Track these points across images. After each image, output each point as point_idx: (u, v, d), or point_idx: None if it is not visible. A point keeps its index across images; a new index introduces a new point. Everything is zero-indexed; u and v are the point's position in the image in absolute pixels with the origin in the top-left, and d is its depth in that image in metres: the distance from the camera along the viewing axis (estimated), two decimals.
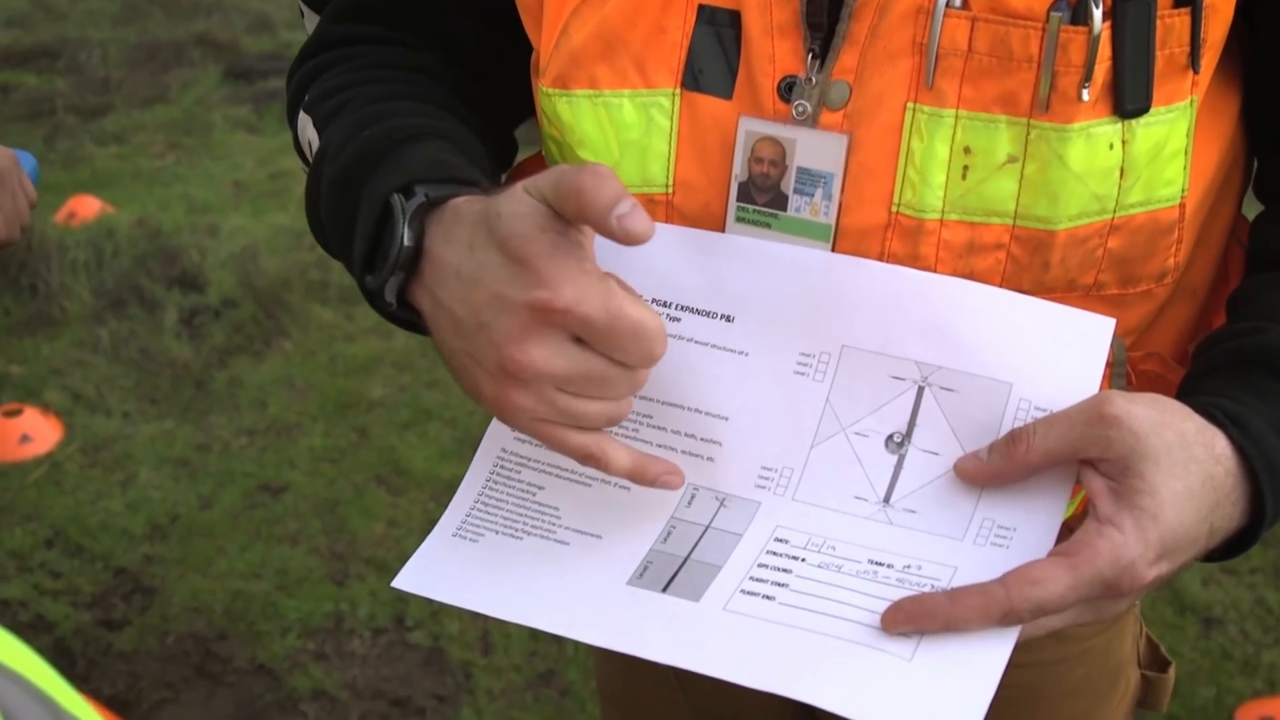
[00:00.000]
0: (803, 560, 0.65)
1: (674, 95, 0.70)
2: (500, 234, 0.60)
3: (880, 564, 0.65)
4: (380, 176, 0.68)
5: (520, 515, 0.71)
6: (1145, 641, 0.96)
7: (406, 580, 0.70)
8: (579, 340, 0.60)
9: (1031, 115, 0.65)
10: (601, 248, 0.62)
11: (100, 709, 1.97)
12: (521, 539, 0.70)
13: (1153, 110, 0.65)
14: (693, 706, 1.00)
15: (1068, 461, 0.63)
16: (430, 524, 0.73)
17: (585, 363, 0.60)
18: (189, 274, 3.23)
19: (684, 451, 0.69)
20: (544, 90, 0.72)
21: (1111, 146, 0.65)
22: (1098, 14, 0.62)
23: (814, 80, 0.67)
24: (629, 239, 0.57)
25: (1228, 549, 0.66)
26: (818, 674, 0.60)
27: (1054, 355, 0.65)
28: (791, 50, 0.67)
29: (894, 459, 0.67)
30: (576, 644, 2.11)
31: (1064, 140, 0.65)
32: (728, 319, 0.70)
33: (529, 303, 0.59)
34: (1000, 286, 0.68)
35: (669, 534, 0.68)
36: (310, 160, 0.79)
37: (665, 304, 0.70)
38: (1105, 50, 0.63)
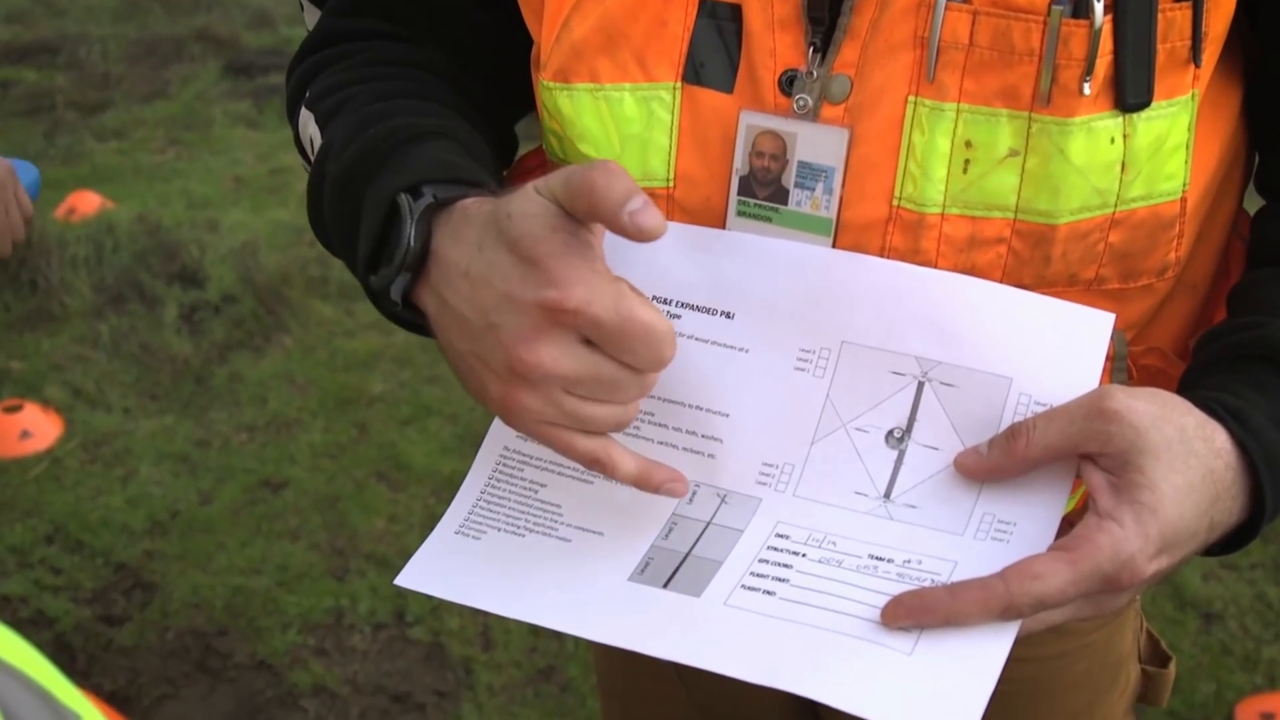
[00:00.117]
0: (803, 556, 0.66)
1: (675, 89, 0.69)
2: (511, 234, 0.60)
3: (880, 559, 0.65)
4: (386, 176, 0.68)
5: (522, 513, 0.71)
6: (1146, 636, 0.96)
7: (409, 578, 0.70)
8: (588, 343, 0.60)
9: (1033, 109, 0.65)
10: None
11: (101, 705, 1.97)
12: (523, 536, 0.70)
13: (1154, 104, 0.65)
14: (693, 702, 1.00)
15: (1068, 456, 0.63)
16: (431, 519, 0.73)
17: (594, 365, 0.60)
18: (189, 269, 3.23)
19: (685, 448, 0.69)
20: (544, 84, 0.72)
21: (1113, 140, 0.65)
22: (1099, 7, 0.62)
23: (815, 74, 0.67)
24: (641, 235, 0.56)
25: (1228, 543, 0.66)
26: (818, 669, 0.60)
27: (1054, 350, 0.65)
28: (792, 44, 0.67)
29: (894, 454, 0.67)
30: (577, 640, 2.11)
31: (1065, 134, 0.65)
32: (728, 316, 0.70)
33: (539, 303, 0.58)
34: (1001, 281, 0.67)
35: (670, 530, 0.68)
36: (312, 158, 0.78)
37: (665, 301, 0.70)
38: (1107, 44, 0.63)
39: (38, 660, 0.38)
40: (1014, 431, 0.64)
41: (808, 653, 0.61)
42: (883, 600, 0.62)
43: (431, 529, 0.72)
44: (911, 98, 0.66)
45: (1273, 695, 1.98)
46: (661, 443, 0.70)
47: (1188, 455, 0.61)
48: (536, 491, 0.72)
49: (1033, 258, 0.68)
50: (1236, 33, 0.69)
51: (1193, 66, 0.66)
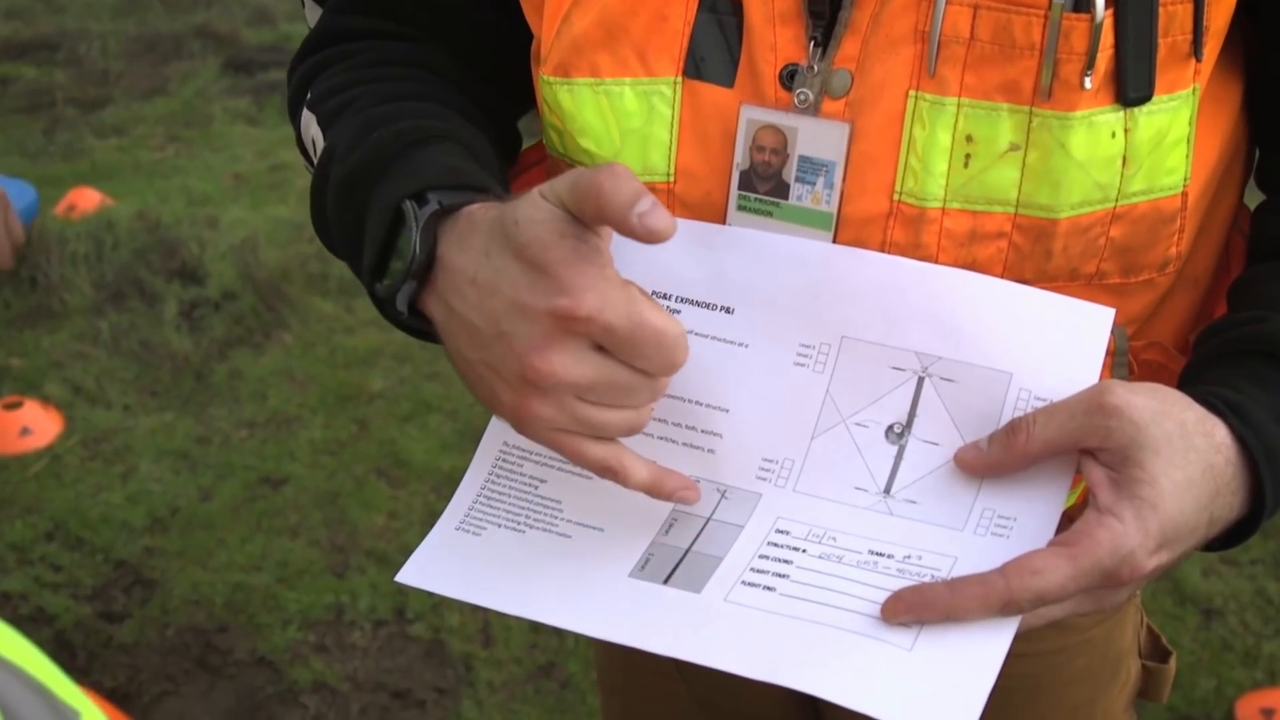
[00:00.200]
0: (803, 551, 0.65)
1: (675, 83, 0.69)
2: (518, 240, 0.59)
3: (880, 554, 0.65)
4: (391, 181, 0.67)
5: (523, 509, 0.71)
6: (1146, 632, 0.96)
7: (410, 574, 0.70)
8: (599, 349, 0.59)
9: (1034, 103, 0.65)
10: None
11: (101, 702, 1.97)
12: (524, 532, 0.70)
13: (1155, 98, 0.65)
14: (693, 698, 1.00)
15: (1068, 451, 0.63)
16: (431, 516, 0.73)
17: (607, 370, 0.59)
18: (189, 266, 3.23)
19: (685, 444, 0.69)
20: (545, 79, 0.72)
21: (1114, 135, 0.65)
22: (1100, 2, 0.62)
23: (816, 68, 0.67)
24: (651, 236, 0.56)
25: (1228, 538, 0.66)
26: (818, 664, 0.60)
27: (1054, 345, 0.65)
28: (793, 38, 0.67)
29: (894, 449, 0.67)
30: (577, 636, 2.10)
31: (1066, 128, 0.65)
32: (728, 311, 0.69)
33: (550, 310, 0.58)
34: (1002, 275, 0.67)
35: (670, 526, 0.68)
36: (314, 159, 0.78)
37: (665, 296, 0.70)
38: (1108, 38, 0.63)
39: (37, 657, 0.38)
40: (1014, 427, 0.64)
41: (808, 648, 0.61)
42: (883, 596, 0.62)
43: (431, 525, 0.72)
44: (912, 92, 0.66)
45: (1273, 691, 1.98)
46: (661, 438, 0.70)
47: (1188, 450, 0.61)
48: (536, 487, 0.72)
49: (1034, 252, 0.68)
50: (1237, 27, 0.69)
51: (1194, 61, 0.66)
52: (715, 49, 0.69)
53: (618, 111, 0.70)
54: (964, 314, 0.66)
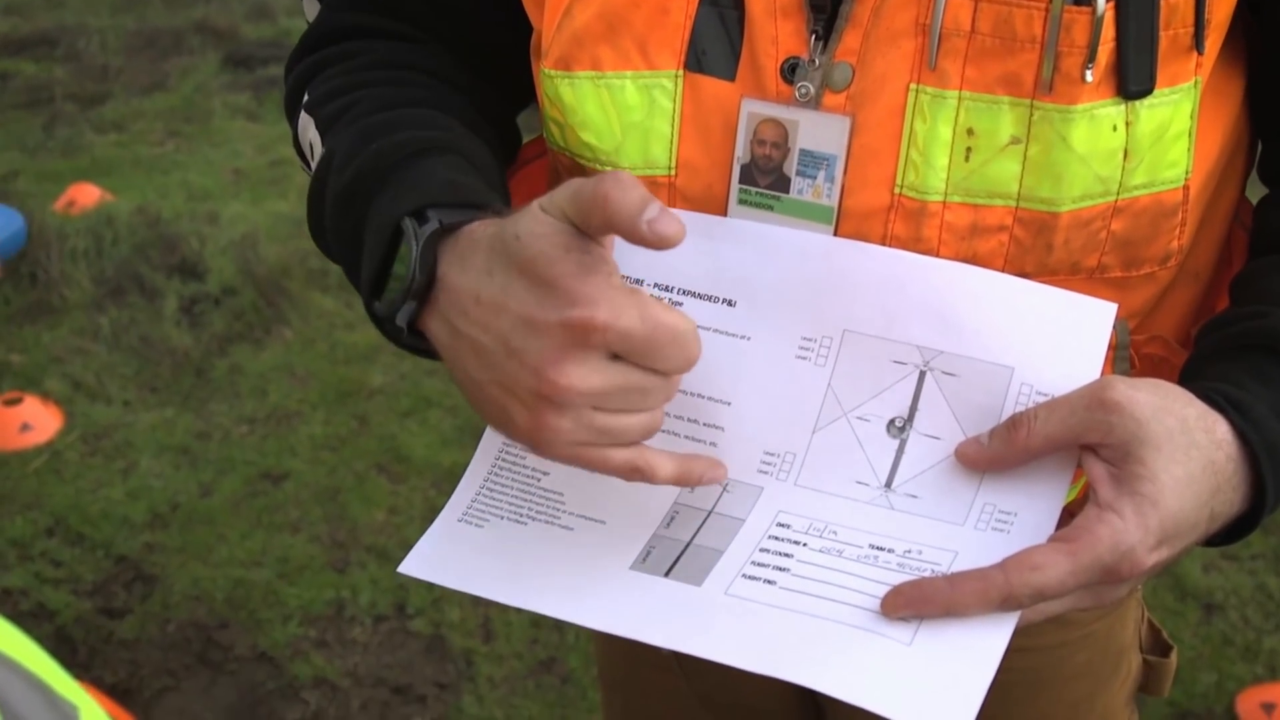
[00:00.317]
0: (804, 545, 0.65)
1: (677, 77, 0.69)
2: (522, 257, 0.58)
3: (881, 549, 0.65)
4: (390, 194, 0.67)
5: (524, 501, 0.71)
6: (1147, 626, 0.96)
7: (412, 565, 0.70)
8: (613, 357, 0.58)
9: (1035, 96, 0.64)
10: None
11: (101, 698, 1.97)
12: (526, 524, 0.70)
13: (1156, 91, 0.65)
14: (694, 693, 1.00)
15: (1069, 447, 0.63)
16: (431, 511, 0.73)
17: (622, 376, 0.58)
18: (189, 262, 3.23)
19: (687, 437, 0.69)
20: (546, 72, 0.71)
21: (1115, 128, 0.65)
22: None
23: (817, 62, 0.67)
24: (661, 243, 0.55)
25: (1228, 534, 0.66)
26: (817, 658, 0.60)
27: (1056, 340, 0.65)
28: (794, 31, 0.67)
29: (895, 444, 0.67)
30: (578, 631, 2.11)
31: (1067, 122, 0.64)
32: (729, 303, 0.69)
33: (564, 323, 0.57)
34: (1003, 269, 0.67)
35: (672, 519, 0.68)
36: (311, 162, 0.77)
37: (667, 288, 0.70)
38: (1109, 31, 0.63)
39: (36, 653, 0.38)
40: (1015, 422, 0.64)
41: (808, 642, 0.61)
42: (883, 590, 0.62)
43: (432, 521, 0.72)
44: (913, 85, 0.66)
45: (1273, 686, 1.98)
46: (663, 431, 0.69)
47: (1189, 446, 0.61)
48: (539, 480, 0.72)
49: (1035, 246, 0.68)
50: (1239, 20, 0.69)
51: (1195, 53, 0.66)
52: (716, 42, 0.68)
53: (619, 105, 0.70)
54: (966, 308, 0.66)
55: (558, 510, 0.70)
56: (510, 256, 0.59)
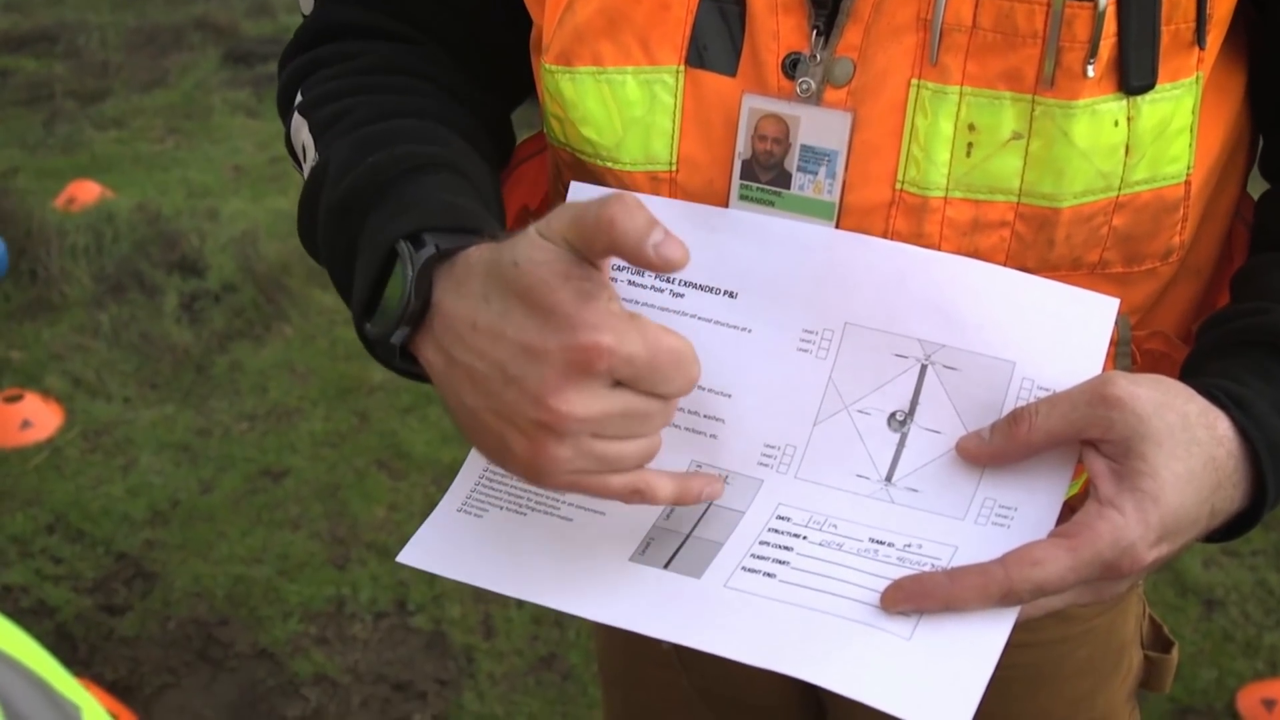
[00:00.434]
0: (804, 538, 0.65)
1: (678, 72, 0.69)
2: (521, 284, 0.57)
3: (881, 543, 0.64)
4: (385, 212, 0.66)
5: (524, 491, 0.71)
6: (1148, 622, 0.96)
7: (411, 555, 0.70)
8: (613, 383, 0.58)
9: (1036, 92, 0.64)
10: None
11: (102, 694, 1.97)
12: (525, 515, 0.70)
13: (1158, 87, 0.65)
14: (694, 687, 1.00)
15: (1070, 442, 0.63)
16: (431, 507, 0.72)
17: (622, 402, 0.58)
18: (189, 258, 3.23)
19: (687, 429, 0.69)
20: (546, 67, 0.71)
21: (1116, 123, 0.65)
22: None
23: (818, 57, 0.67)
24: (667, 267, 0.55)
25: (1229, 530, 0.66)
26: (817, 652, 0.60)
27: (1057, 335, 0.65)
28: (796, 27, 0.67)
29: (896, 437, 0.67)
30: (579, 628, 2.11)
31: (1069, 117, 0.64)
32: (731, 295, 0.69)
33: (566, 349, 0.56)
34: (1005, 264, 0.67)
35: (671, 511, 0.68)
36: (304, 163, 0.76)
37: (668, 280, 0.70)
38: (1110, 26, 0.63)
39: (37, 652, 0.38)
40: (1016, 416, 0.64)
41: (807, 636, 0.61)
42: (883, 584, 0.62)
43: None
44: (914, 81, 0.65)
45: (1274, 681, 1.98)
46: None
47: (1190, 443, 0.61)
48: None
49: (1036, 241, 0.68)
50: (1241, 15, 0.69)
51: (1197, 49, 0.66)
52: (718, 37, 0.68)
53: (620, 100, 0.70)
54: (968, 302, 0.66)
55: (557, 501, 0.70)
56: (508, 283, 0.58)
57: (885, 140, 0.66)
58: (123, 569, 2.30)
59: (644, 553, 0.67)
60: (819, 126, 0.67)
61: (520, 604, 2.16)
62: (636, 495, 0.61)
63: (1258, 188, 0.77)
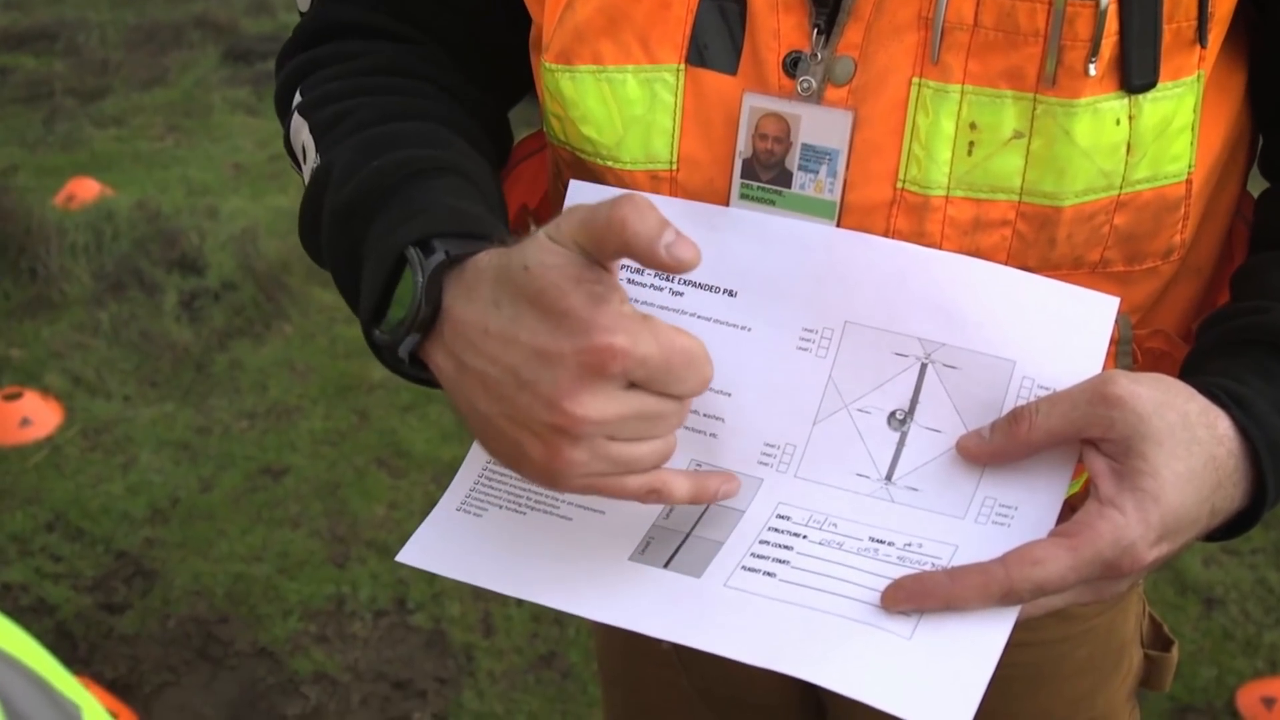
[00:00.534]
0: (804, 537, 0.65)
1: (678, 71, 0.69)
2: (532, 288, 0.57)
3: (881, 542, 0.64)
4: (391, 217, 0.66)
5: (524, 490, 0.71)
6: (1148, 621, 0.96)
7: (410, 555, 0.70)
8: (627, 385, 0.58)
9: (1038, 90, 0.64)
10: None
11: (102, 693, 1.97)
12: (525, 514, 0.70)
13: (1160, 85, 0.65)
14: (694, 687, 1.00)
15: (1070, 441, 0.63)
16: (431, 506, 0.72)
17: (636, 404, 0.58)
18: (189, 257, 3.23)
19: (687, 427, 0.69)
20: (546, 66, 0.71)
21: (1118, 122, 0.65)
22: None
23: (819, 56, 0.67)
24: (679, 267, 0.55)
25: (1229, 529, 0.66)
26: (817, 652, 0.60)
27: (1058, 334, 0.65)
28: (796, 25, 0.67)
29: (896, 436, 0.66)
30: (578, 626, 2.11)
31: (1070, 116, 0.64)
32: (730, 294, 0.69)
33: (580, 352, 0.56)
34: (1006, 263, 0.67)
35: (671, 510, 0.68)
36: (303, 164, 0.76)
37: (668, 278, 0.70)
38: (1112, 24, 0.63)
39: (37, 651, 0.37)
40: (1016, 415, 0.64)
41: (807, 635, 0.61)
42: (883, 583, 0.62)
43: None
44: (916, 79, 0.65)
45: (1274, 680, 1.98)
46: None
47: (1190, 442, 0.61)
48: None
49: (1038, 240, 0.67)
50: (1241, 13, 0.68)
51: (1198, 47, 0.65)
52: (718, 36, 0.68)
53: (620, 99, 0.70)
54: (968, 301, 0.65)
55: (557, 500, 0.70)
56: (519, 287, 0.58)
57: (886, 139, 0.66)
58: (122, 567, 2.30)
59: (644, 552, 0.67)
60: (820, 125, 0.67)
61: (520, 602, 2.16)
62: (653, 495, 0.61)
63: (1257, 186, 0.77)
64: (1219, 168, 0.72)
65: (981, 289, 0.66)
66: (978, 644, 0.60)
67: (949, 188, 0.66)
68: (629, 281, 0.70)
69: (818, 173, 0.68)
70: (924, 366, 0.66)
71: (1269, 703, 1.93)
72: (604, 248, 0.56)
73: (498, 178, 0.76)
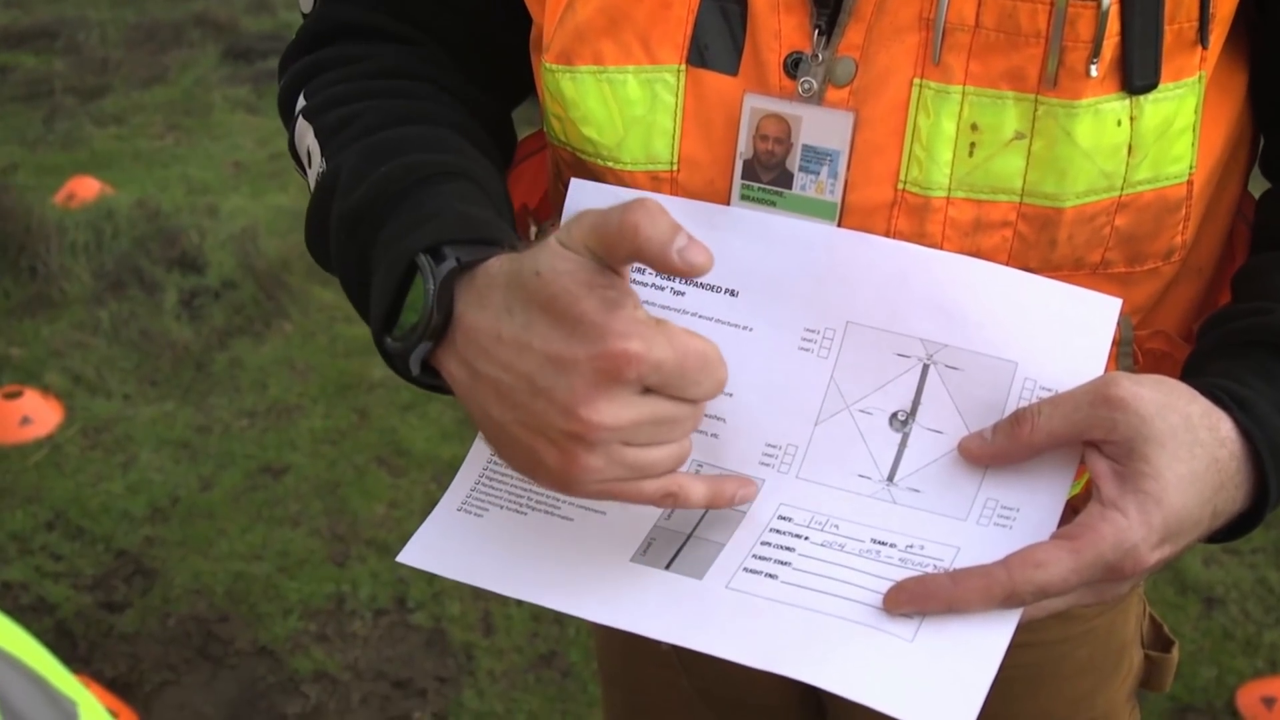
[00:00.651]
0: (806, 539, 0.65)
1: (679, 71, 0.69)
2: (544, 294, 0.57)
3: (883, 543, 0.64)
4: (400, 223, 0.66)
5: (524, 490, 0.71)
6: (1149, 622, 0.96)
7: (411, 555, 0.70)
8: (643, 390, 0.57)
9: (1039, 91, 0.64)
10: (581, 209, 0.60)
11: (102, 692, 1.97)
12: (525, 514, 0.70)
13: (1161, 86, 0.65)
14: (694, 687, 1.00)
15: (1072, 443, 0.63)
16: (431, 505, 0.72)
17: (651, 408, 0.57)
18: (189, 255, 3.23)
19: None
20: (547, 66, 0.71)
21: (1119, 123, 0.65)
22: None
23: (820, 56, 0.67)
24: (691, 271, 0.55)
25: (1231, 531, 0.66)
26: (819, 654, 0.60)
27: (1060, 335, 0.65)
28: (797, 26, 0.67)
29: (898, 437, 0.66)
30: (578, 625, 2.11)
31: (1072, 117, 0.64)
32: (732, 294, 0.69)
33: (594, 359, 0.55)
34: (1007, 264, 0.67)
35: (673, 510, 0.68)
36: (308, 168, 0.76)
37: (669, 278, 0.70)
38: (1114, 25, 0.63)
39: (34, 648, 0.37)
40: (1019, 417, 0.63)
41: (809, 638, 0.61)
42: (885, 585, 0.62)
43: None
44: (917, 80, 0.65)
45: (1274, 679, 1.98)
46: None
47: (1192, 444, 0.61)
48: None
49: (1039, 241, 0.67)
50: (1243, 14, 0.68)
51: (1200, 48, 0.65)
52: (719, 37, 0.68)
53: (621, 100, 0.70)
54: (970, 302, 0.65)
55: (558, 500, 0.70)
56: (531, 294, 0.57)
57: (887, 140, 0.66)
58: (122, 566, 2.30)
59: (645, 553, 0.67)
60: (821, 126, 0.67)
61: (520, 601, 2.16)
62: (669, 499, 0.61)
63: (1258, 186, 0.77)
64: (1220, 168, 0.72)
65: (983, 290, 0.65)
66: (980, 646, 0.60)
67: (950, 189, 0.66)
68: (629, 281, 0.70)
69: (818, 174, 0.68)
70: (926, 367, 0.66)
71: (1269, 702, 1.93)
72: (616, 253, 0.56)
73: (504, 181, 0.75)
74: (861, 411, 0.67)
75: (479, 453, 0.73)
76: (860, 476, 0.66)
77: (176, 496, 2.47)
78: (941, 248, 0.67)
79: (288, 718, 1.99)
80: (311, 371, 2.86)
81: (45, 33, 5.07)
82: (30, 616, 2.16)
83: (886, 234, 0.67)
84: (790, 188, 0.69)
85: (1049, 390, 0.64)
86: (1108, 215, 0.67)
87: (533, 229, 0.82)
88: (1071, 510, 0.63)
